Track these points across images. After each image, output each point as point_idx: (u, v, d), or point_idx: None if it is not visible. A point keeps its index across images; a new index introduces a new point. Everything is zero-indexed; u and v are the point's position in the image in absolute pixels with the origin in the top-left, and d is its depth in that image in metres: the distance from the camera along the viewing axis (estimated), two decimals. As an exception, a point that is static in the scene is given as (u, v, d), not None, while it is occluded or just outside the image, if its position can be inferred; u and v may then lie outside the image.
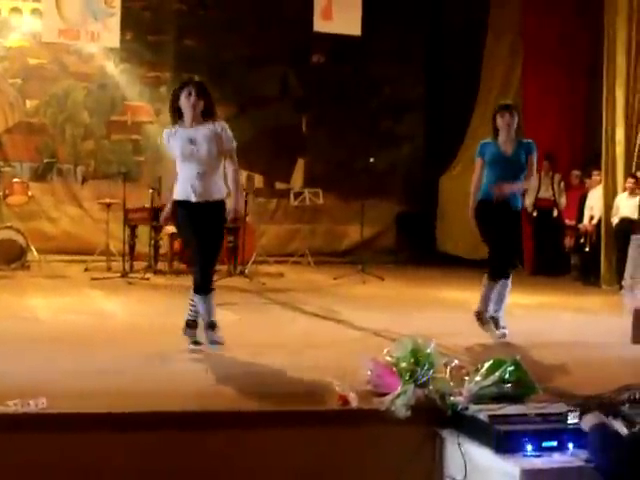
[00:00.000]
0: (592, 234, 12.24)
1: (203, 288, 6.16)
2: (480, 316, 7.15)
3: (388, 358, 4.75)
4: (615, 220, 11.63)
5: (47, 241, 13.57)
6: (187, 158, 6.17)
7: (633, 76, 11.51)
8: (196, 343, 6.24)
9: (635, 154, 11.62)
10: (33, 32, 14.00)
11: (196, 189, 6.15)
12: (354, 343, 6.69)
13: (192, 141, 6.13)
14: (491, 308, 7.18)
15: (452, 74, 15.08)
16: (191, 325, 6.32)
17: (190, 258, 7.02)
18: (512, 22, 14.21)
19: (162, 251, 12.44)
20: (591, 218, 12.29)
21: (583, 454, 4.01)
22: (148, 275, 11.33)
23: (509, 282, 7.15)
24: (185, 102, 6.13)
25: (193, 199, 6.16)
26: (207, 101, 6.21)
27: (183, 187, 6.22)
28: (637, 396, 4.58)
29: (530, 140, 7.29)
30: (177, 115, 6.24)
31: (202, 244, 6.18)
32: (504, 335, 7.09)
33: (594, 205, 12.24)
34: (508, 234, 7.15)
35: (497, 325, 7.17)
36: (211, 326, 6.20)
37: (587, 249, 12.32)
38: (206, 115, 6.22)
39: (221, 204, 6.27)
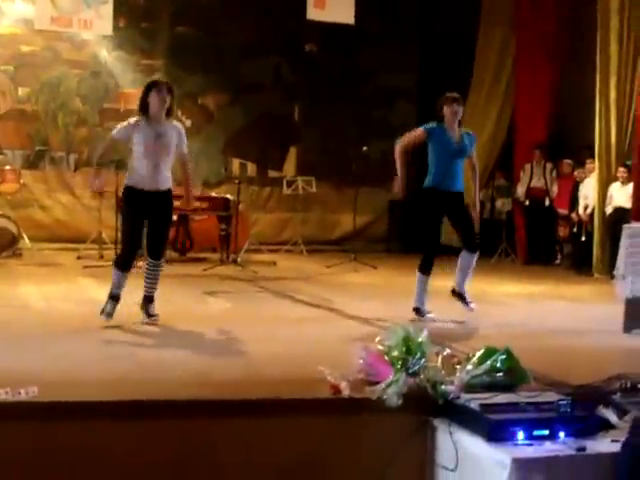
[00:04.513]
0: (587, 223, 12.21)
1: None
2: (419, 312, 7.36)
3: (380, 346, 4.73)
4: (609, 209, 11.62)
5: (39, 229, 13.54)
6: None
7: (625, 64, 11.51)
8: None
9: (627, 143, 11.63)
10: (25, 19, 13.92)
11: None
12: (346, 331, 6.68)
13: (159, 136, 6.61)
14: (456, 282, 7.43)
15: (445, 62, 15.03)
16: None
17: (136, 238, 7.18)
18: (504, 14, 14.23)
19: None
20: (586, 207, 12.24)
21: (574, 442, 4.02)
22: (140, 263, 11.29)
23: (475, 257, 7.36)
24: (155, 97, 6.55)
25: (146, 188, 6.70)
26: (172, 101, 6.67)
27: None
28: (628, 385, 4.59)
29: (471, 132, 7.69)
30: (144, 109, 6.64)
31: (152, 227, 6.90)
32: (472, 309, 7.40)
33: (588, 194, 12.22)
34: (464, 216, 7.44)
35: (464, 300, 7.43)
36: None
37: (583, 238, 12.25)
38: (168, 114, 6.69)
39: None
